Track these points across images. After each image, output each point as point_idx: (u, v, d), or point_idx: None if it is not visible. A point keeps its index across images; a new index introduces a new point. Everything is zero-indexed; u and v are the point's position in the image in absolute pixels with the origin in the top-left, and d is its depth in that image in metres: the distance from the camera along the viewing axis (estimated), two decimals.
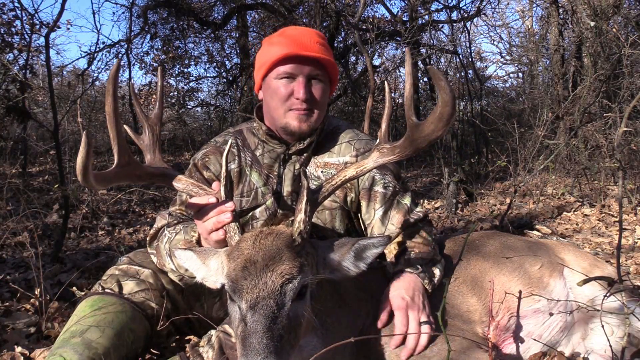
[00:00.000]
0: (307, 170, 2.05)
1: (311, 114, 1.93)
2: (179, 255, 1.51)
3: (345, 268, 1.47)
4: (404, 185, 2.06)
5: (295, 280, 1.30)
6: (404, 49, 8.46)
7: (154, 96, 11.91)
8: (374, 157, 1.51)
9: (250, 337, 1.21)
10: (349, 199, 2.03)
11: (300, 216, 1.40)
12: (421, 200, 5.97)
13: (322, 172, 2.03)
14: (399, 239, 1.92)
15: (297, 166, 2.02)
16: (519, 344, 1.81)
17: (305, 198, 1.41)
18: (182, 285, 1.97)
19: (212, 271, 1.47)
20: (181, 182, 1.56)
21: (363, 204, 2.00)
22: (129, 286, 1.91)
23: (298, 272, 1.31)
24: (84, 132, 1.25)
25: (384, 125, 1.52)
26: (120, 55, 9.43)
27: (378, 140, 1.53)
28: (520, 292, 1.82)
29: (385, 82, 1.63)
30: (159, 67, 1.72)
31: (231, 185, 2.06)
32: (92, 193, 5.11)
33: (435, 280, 1.78)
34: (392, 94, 12.20)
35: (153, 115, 1.67)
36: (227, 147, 1.57)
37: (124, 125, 1.53)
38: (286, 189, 2.03)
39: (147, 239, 2.00)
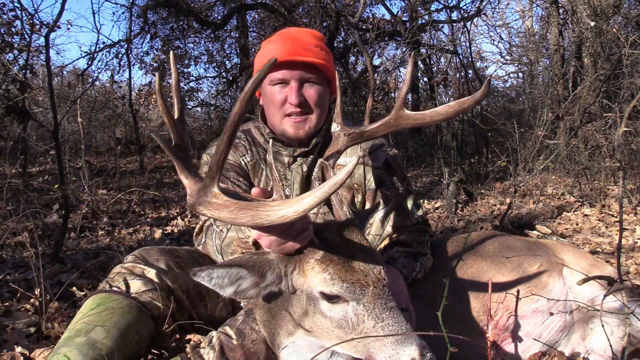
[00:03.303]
0: (314, 172, 2.06)
1: (307, 119, 1.93)
2: (205, 275, 1.29)
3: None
4: (408, 187, 2.08)
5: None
6: (404, 49, 8.46)
7: (154, 96, 11.90)
8: (342, 141, 1.58)
9: (399, 325, 1.25)
10: (356, 200, 2.04)
11: (346, 207, 1.48)
12: (421, 200, 5.97)
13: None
14: (393, 235, 1.95)
15: (304, 168, 2.03)
16: (518, 343, 1.81)
17: (338, 192, 1.43)
18: None
19: (262, 285, 1.35)
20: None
21: (367, 204, 2.02)
22: (136, 285, 1.90)
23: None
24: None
25: (338, 111, 1.62)
26: (120, 55, 9.43)
27: (338, 127, 1.60)
28: (518, 291, 1.82)
29: (336, 72, 1.71)
30: (171, 52, 1.40)
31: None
32: (92, 193, 5.11)
33: (415, 273, 1.82)
34: (392, 94, 12.21)
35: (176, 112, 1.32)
36: (269, 155, 1.51)
37: (152, 134, 1.32)
38: (295, 192, 2.03)
39: (194, 233, 2.00)
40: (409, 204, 2.01)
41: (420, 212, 2.05)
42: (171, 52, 1.36)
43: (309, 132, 1.95)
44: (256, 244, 1.49)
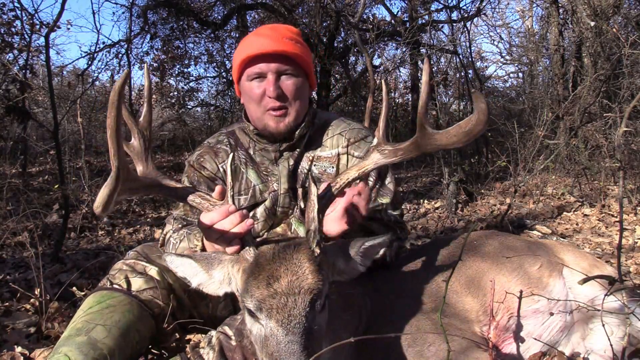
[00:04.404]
0: (301, 165, 2.06)
1: (287, 112, 1.93)
2: (170, 260, 1.43)
3: (353, 269, 1.45)
4: (389, 185, 2.05)
5: (321, 293, 1.29)
6: (404, 49, 8.45)
7: (154, 96, 11.91)
8: (375, 158, 1.50)
9: (289, 358, 1.19)
10: None
11: (314, 225, 1.37)
12: (421, 201, 5.97)
13: (314, 165, 2.05)
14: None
15: (291, 162, 2.04)
16: (519, 343, 1.81)
17: (316, 206, 1.38)
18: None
19: (214, 280, 1.42)
20: (195, 199, 1.47)
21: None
22: (137, 283, 1.90)
23: (322, 285, 1.29)
24: (116, 164, 1.15)
25: (381, 125, 1.51)
26: (120, 55, 9.41)
27: (376, 141, 1.51)
28: (521, 292, 1.82)
29: (383, 81, 1.63)
30: (145, 65, 1.60)
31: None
32: (92, 193, 5.11)
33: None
34: (392, 94, 12.20)
35: (142, 119, 1.54)
36: (229, 159, 1.51)
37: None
38: (282, 186, 2.04)
39: (159, 245, 2.01)
40: (384, 200, 1.99)
41: (396, 213, 2.01)
42: (145, 64, 1.49)
43: (290, 125, 1.96)
44: (203, 251, 1.62)
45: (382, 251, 1.47)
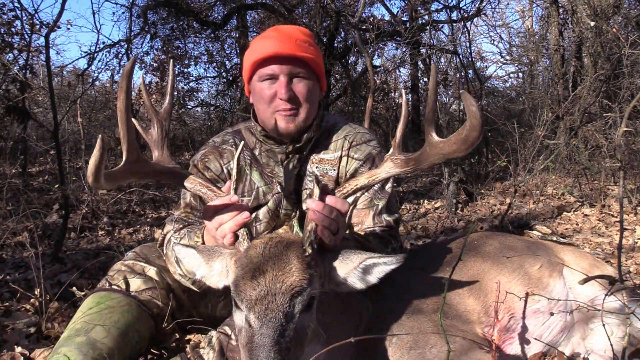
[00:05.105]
0: (310, 170, 2.06)
1: (297, 113, 1.93)
2: (178, 250, 1.50)
3: (352, 283, 1.41)
4: (384, 191, 2.04)
5: (305, 292, 1.28)
6: (404, 49, 8.45)
7: (154, 96, 11.92)
8: (387, 167, 1.48)
9: (258, 350, 1.19)
10: None
11: (312, 226, 1.37)
12: (421, 200, 5.97)
13: (316, 167, 2.05)
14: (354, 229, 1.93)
15: (296, 164, 2.03)
16: (519, 344, 1.81)
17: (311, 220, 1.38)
18: (197, 288, 1.91)
19: (214, 272, 1.45)
20: (190, 182, 1.54)
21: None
22: (136, 284, 1.91)
23: (307, 284, 1.29)
24: (100, 135, 1.22)
25: (398, 135, 1.48)
26: (120, 55, 9.41)
27: (391, 150, 1.50)
28: (527, 294, 1.81)
29: (403, 91, 1.62)
30: (170, 59, 1.67)
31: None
32: (92, 193, 5.11)
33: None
34: (392, 94, 12.19)
35: (162, 110, 1.62)
36: (239, 148, 1.55)
37: (133, 120, 1.47)
38: (286, 188, 2.03)
39: (157, 245, 2.01)
40: (380, 203, 1.99)
41: (391, 218, 2.00)
42: (171, 60, 1.65)
43: (299, 126, 1.95)
44: None
45: (387, 271, 1.41)
